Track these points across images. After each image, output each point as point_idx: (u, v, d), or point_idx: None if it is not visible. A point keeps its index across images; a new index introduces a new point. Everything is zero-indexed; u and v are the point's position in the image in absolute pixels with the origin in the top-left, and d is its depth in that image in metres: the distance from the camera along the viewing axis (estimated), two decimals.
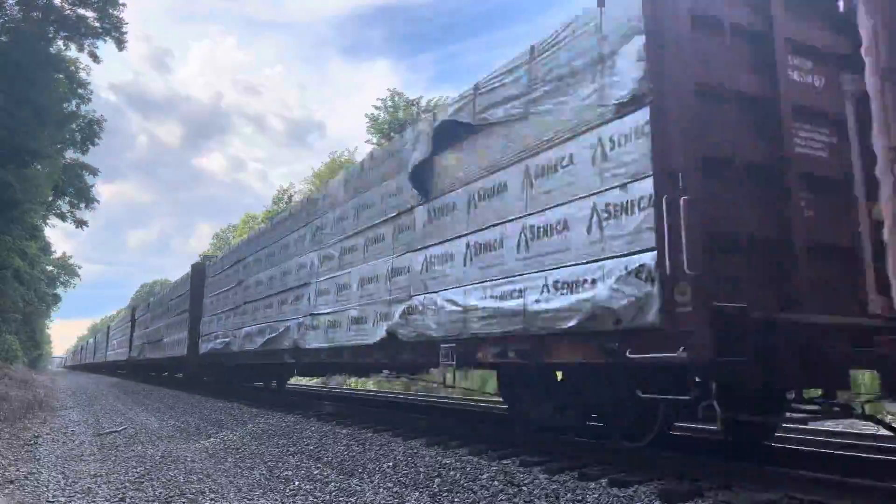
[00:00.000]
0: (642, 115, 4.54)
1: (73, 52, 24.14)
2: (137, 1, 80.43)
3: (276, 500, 5.03)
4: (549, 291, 5.25)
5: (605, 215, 4.81)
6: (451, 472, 5.48)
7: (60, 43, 23.13)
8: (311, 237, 10.60)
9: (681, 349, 4.09)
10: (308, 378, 20.94)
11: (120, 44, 23.63)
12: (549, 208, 5.39)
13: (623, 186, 4.67)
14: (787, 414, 5.23)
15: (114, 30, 23.30)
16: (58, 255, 52.71)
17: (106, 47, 24.39)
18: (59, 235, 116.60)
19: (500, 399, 7.89)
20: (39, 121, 20.70)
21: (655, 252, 4.31)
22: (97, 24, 23.07)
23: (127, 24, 23.54)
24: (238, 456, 7.15)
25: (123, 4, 23.00)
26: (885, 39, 3.73)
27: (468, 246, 6.43)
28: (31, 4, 21.18)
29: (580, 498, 4.49)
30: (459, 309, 6.32)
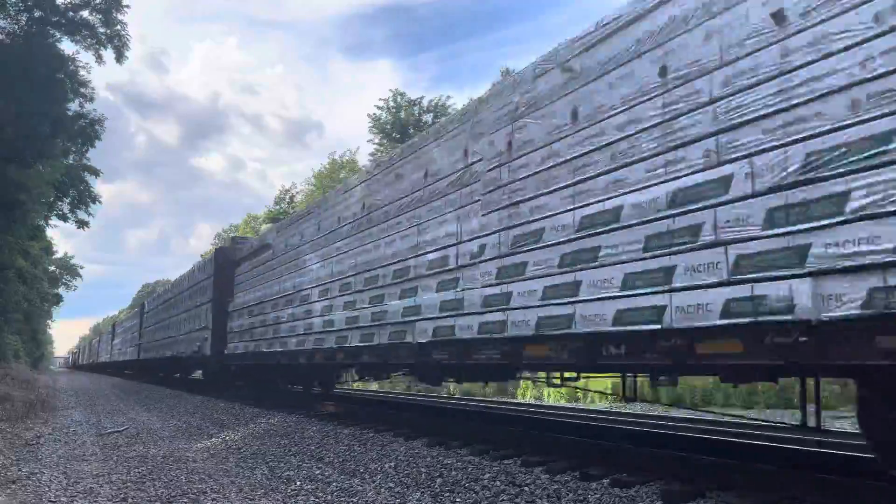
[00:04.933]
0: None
1: (76, 51, 24.02)
2: (137, 1, 80.00)
3: (278, 500, 5.03)
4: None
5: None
6: (453, 473, 5.48)
7: (65, 44, 23.06)
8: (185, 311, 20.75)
9: (215, 360, 15.78)
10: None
11: (120, 55, 23.52)
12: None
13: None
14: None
15: (116, 38, 23.15)
16: (59, 255, 52.78)
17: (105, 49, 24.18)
18: (59, 235, 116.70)
19: None
20: (40, 120, 20.71)
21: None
22: (100, 29, 22.94)
23: (129, 37, 23.41)
24: (240, 456, 7.16)
25: (127, 5, 22.88)
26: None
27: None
28: (35, 4, 21.12)
29: (582, 498, 4.49)
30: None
